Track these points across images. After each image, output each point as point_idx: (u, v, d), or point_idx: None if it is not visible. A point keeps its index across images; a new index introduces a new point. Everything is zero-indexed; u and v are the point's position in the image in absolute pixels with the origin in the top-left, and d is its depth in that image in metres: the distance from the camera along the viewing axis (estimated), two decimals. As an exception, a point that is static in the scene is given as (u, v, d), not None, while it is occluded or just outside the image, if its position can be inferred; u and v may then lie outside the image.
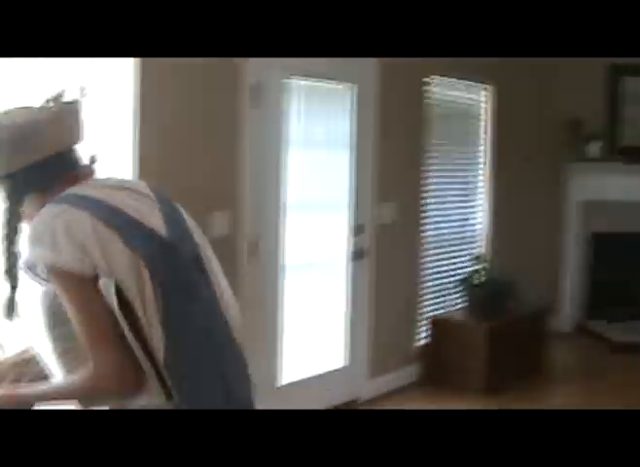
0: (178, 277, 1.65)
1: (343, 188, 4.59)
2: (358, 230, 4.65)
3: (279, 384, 4.29)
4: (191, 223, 1.82)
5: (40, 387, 1.74)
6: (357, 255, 4.66)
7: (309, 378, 4.50)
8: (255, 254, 4.06)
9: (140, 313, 1.57)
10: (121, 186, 1.77)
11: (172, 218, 1.74)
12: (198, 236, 1.81)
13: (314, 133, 4.45)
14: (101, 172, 1.85)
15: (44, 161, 1.67)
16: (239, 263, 3.97)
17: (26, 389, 1.76)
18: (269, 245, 4.16)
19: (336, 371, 4.67)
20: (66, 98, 1.78)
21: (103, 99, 3.40)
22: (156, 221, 1.68)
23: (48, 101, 1.75)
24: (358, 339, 4.77)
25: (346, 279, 4.66)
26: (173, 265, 1.65)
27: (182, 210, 1.83)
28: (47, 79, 3.04)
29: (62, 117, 1.72)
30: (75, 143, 1.76)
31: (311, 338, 4.54)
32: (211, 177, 3.83)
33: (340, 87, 4.52)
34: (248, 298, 4.02)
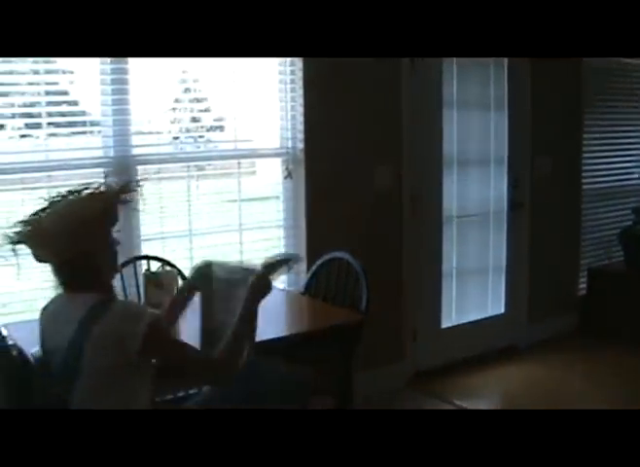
0: None
1: (502, 143, 4.78)
2: (516, 182, 4.85)
3: (443, 326, 4.62)
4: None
5: None
6: (516, 206, 4.86)
7: (471, 323, 4.77)
8: (417, 206, 4.36)
9: None
10: None
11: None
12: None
13: (471, 95, 4.59)
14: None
15: None
16: (403, 214, 4.29)
17: None
18: (431, 197, 4.45)
19: (495, 316, 4.91)
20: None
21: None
22: None
23: None
24: (518, 287, 4.98)
25: (506, 229, 4.87)
26: None
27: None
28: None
29: None
30: None
31: (473, 285, 4.80)
32: (377, 135, 4.17)
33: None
34: (412, 246, 4.34)
